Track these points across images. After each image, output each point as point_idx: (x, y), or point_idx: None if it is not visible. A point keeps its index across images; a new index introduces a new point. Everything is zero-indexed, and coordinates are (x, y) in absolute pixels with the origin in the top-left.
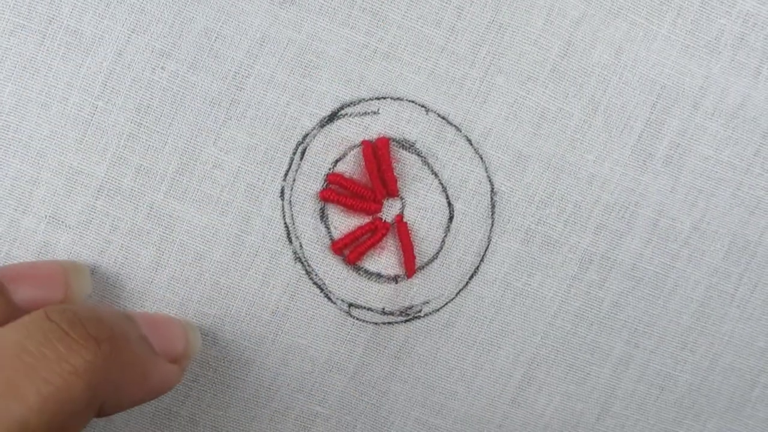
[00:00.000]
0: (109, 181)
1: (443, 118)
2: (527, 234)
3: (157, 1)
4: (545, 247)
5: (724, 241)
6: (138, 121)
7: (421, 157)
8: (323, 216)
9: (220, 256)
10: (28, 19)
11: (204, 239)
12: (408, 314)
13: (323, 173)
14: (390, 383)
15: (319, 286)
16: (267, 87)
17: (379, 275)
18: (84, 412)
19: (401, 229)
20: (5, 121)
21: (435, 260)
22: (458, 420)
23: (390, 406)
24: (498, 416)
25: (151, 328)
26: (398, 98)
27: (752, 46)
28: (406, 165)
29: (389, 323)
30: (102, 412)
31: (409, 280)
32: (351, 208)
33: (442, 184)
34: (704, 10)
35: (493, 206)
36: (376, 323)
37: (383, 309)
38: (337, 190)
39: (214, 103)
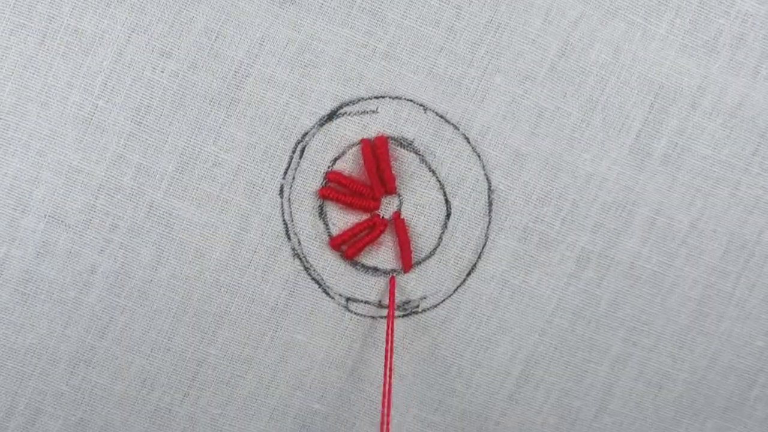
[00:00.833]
0: (109, 179)
1: (441, 116)
2: (525, 232)
3: (158, 1)
4: (543, 245)
5: (722, 240)
6: (138, 120)
7: (419, 155)
8: (322, 213)
9: (219, 253)
10: (28, 19)
11: (204, 237)
12: (406, 309)
13: (322, 171)
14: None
15: (317, 282)
16: (267, 86)
17: (375, 269)
18: None
19: (398, 225)
20: (5, 120)
21: (432, 256)
22: (456, 417)
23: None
24: (496, 413)
25: None
26: (397, 97)
27: (751, 46)
28: (404, 163)
29: (386, 317)
30: None
31: (406, 275)
32: (350, 205)
33: (439, 181)
34: (703, 9)
35: (490, 204)
36: (373, 317)
37: (380, 302)
38: (336, 188)
39: (214, 102)
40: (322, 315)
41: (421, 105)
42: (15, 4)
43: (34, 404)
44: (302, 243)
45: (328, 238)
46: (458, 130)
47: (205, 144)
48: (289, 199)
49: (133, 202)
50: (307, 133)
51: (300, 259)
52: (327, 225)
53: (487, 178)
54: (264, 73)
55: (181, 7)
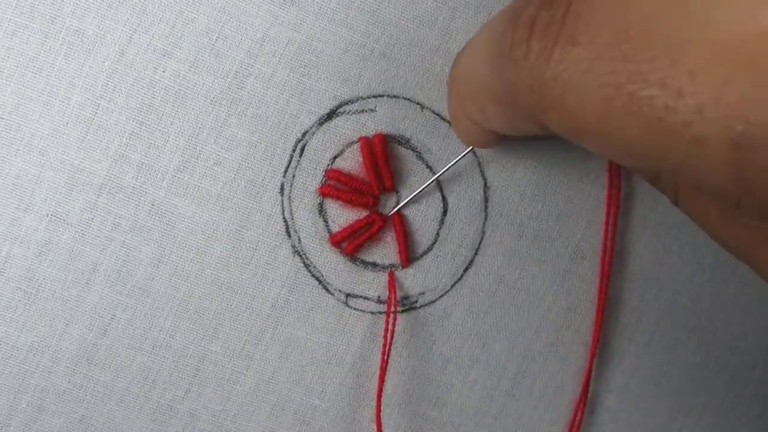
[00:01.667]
0: (111, 179)
1: (438, 114)
2: (520, 228)
3: (159, 2)
4: (538, 242)
5: None
6: (140, 119)
7: (416, 152)
8: (322, 210)
9: (220, 251)
10: (30, 19)
11: (205, 235)
12: (404, 304)
13: (322, 169)
14: (387, 375)
15: (317, 278)
16: (267, 86)
17: (374, 264)
18: None
19: (396, 220)
20: (7, 120)
21: (430, 252)
22: (455, 412)
23: (387, 398)
24: (493, 409)
25: None
26: (394, 96)
27: None
28: (401, 160)
29: (385, 313)
30: None
31: (404, 270)
32: (349, 202)
33: (436, 178)
34: None
35: (486, 200)
36: (372, 312)
37: (379, 297)
38: (335, 186)
39: (215, 102)
40: (322, 311)
41: (418, 104)
42: (16, 5)
43: (36, 402)
44: (302, 240)
45: (327, 235)
46: None
47: (206, 143)
48: (290, 197)
49: (135, 200)
50: (306, 132)
51: (300, 256)
52: (327, 222)
53: (483, 175)
54: (264, 73)
55: (182, 8)
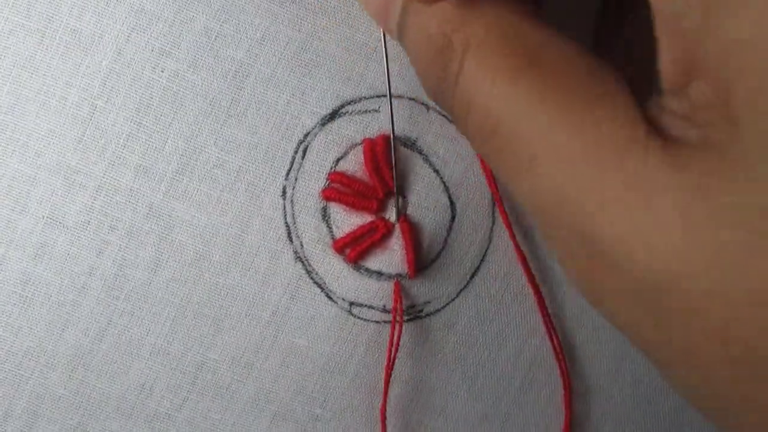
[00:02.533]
0: (108, 180)
1: (444, 116)
2: (527, 232)
3: (157, 0)
4: (545, 246)
5: None
6: (137, 120)
7: (423, 155)
8: (325, 215)
9: (219, 256)
10: (27, 18)
11: (204, 239)
12: (410, 314)
13: (325, 172)
14: (391, 385)
15: (319, 286)
16: (267, 86)
17: (380, 273)
18: None
19: (404, 228)
20: (3, 119)
21: (437, 260)
22: (460, 421)
23: (391, 408)
24: (500, 417)
25: None
26: (399, 96)
27: None
28: (407, 163)
29: (390, 322)
30: None
31: (411, 279)
32: (353, 206)
33: (443, 182)
34: None
35: (493, 204)
36: (377, 322)
37: (384, 307)
38: (338, 189)
39: (214, 103)
40: (324, 319)
41: (423, 104)
42: (14, 3)
43: (32, 408)
44: (304, 246)
45: (331, 241)
46: None
47: (205, 145)
48: (292, 200)
49: (132, 203)
50: (308, 133)
51: (302, 262)
52: (330, 227)
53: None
54: (264, 73)
55: (180, 6)
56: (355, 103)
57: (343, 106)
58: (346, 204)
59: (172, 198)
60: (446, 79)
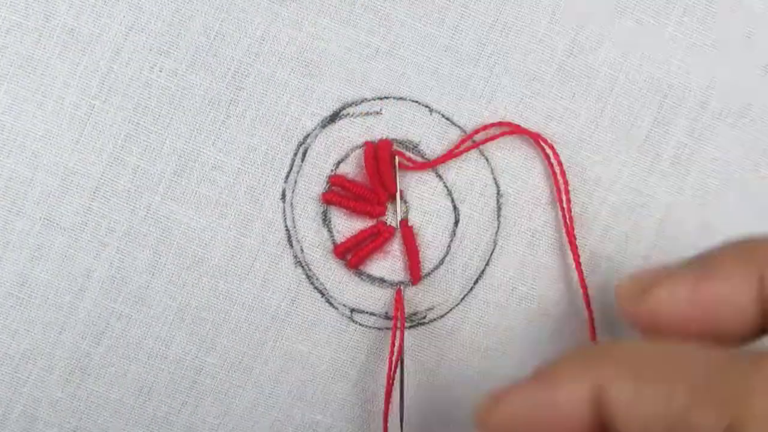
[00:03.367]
0: (106, 182)
1: (447, 118)
2: (533, 237)
3: None
4: (551, 251)
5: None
6: (135, 121)
7: (426, 158)
8: (326, 219)
9: (218, 259)
10: (24, 17)
11: (202, 242)
12: (412, 320)
13: (325, 175)
14: (394, 393)
15: (320, 291)
16: (267, 86)
17: (382, 280)
18: None
19: (406, 233)
20: (0, 120)
21: (440, 266)
22: (464, 429)
23: (393, 415)
24: None
25: None
26: (401, 98)
27: (760, 45)
28: (409, 167)
29: (392, 333)
30: None
31: (414, 286)
32: (354, 210)
33: (447, 187)
34: (711, 8)
35: (499, 209)
36: (379, 328)
37: (386, 314)
38: (339, 193)
39: (213, 103)
40: (325, 326)
41: (426, 106)
42: (11, 2)
43: (29, 411)
44: (305, 250)
45: (332, 246)
46: (465, 132)
47: (204, 146)
48: (292, 203)
49: (130, 205)
50: (309, 135)
51: (302, 267)
52: (331, 232)
53: (496, 183)
54: (264, 73)
55: (179, 5)
56: (356, 104)
57: (344, 107)
58: (347, 208)
59: (171, 200)
60: None
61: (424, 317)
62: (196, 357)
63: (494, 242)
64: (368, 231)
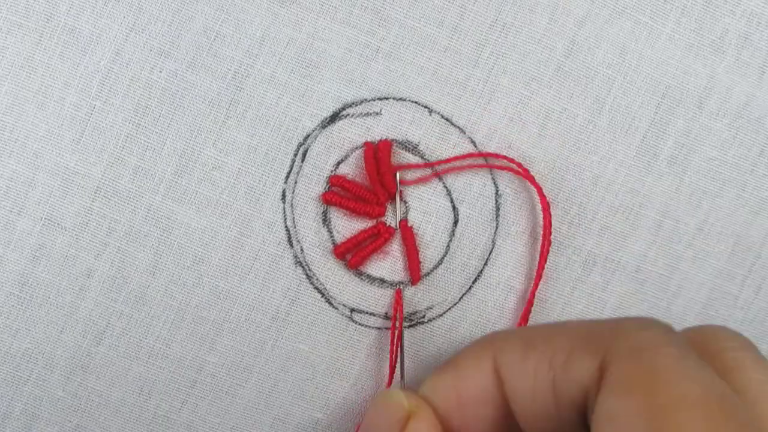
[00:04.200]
0: (107, 182)
1: (447, 119)
2: (531, 237)
3: (156, 0)
4: (549, 250)
5: (728, 242)
6: (136, 121)
7: (425, 159)
8: (326, 219)
9: (219, 259)
10: (25, 18)
11: (203, 242)
12: (412, 320)
13: (325, 175)
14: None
15: (320, 291)
16: (267, 87)
17: (382, 280)
18: None
19: (406, 234)
20: (1, 120)
21: (440, 266)
22: None
23: None
24: None
25: None
26: (401, 99)
27: (757, 46)
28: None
29: (390, 333)
30: None
31: (414, 286)
32: (354, 211)
33: (446, 187)
34: (708, 9)
35: (497, 209)
36: (378, 328)
37: (386, 314)
38: (339, 193)
39: (213, 104)
40: (325, 325)
41: (426, 107)
42: (12, 2)
43: (30, 410)
44: (305, 250)
45: (332, 246)
46: (465, 133)
47: (204, 146)
48: (292, 204)
49: (131, 205)
50: (309, 136)
51: (302, 266)
52: (331, 232)
53: (495, 183)
54: (264, 74)
55: (179, 6)
56: (356, 105)
57: (344, 108)
58: (347, 208)
59: (171, 200)
60: None
61: (423, 316)
62: (197, 356)
63: (493, 242)
64: (368, 231)
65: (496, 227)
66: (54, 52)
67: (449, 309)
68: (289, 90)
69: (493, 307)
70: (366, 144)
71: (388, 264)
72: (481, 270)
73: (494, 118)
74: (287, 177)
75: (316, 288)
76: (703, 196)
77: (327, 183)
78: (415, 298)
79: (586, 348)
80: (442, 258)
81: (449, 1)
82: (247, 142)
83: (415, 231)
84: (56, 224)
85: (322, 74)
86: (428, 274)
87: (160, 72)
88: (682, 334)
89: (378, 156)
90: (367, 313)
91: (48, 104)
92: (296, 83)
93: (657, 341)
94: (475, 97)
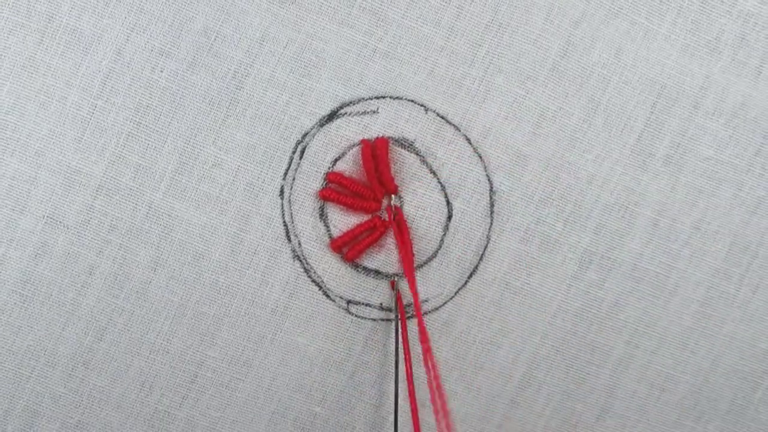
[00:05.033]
0: (108, 180)
1: (442, 117)
2: (526, 233)
3: (157, 1)
4: (544, 247)
5: (725, 241)
6: (137, 120)
7: (420, 156)
8: (323, 214)
9: (219, 255)
10: (27, 18)
11: (203, 238)
12: (408, 312)
13: (323, 172)
14: (389, 383)
15: (317, 284)
16: (266, 86)
17: (377, 272)
18: None
19: (400, 227)
20: (4, 119)
21: (434, 259)
22: (458, 420)
23: (389, 406)
24: (497, 416)
25: None
26: (397, 97)
27: (753, 46)
28: (404, 164)
29: (388, 320)
30: None
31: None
32: (350, 206)
33: (440, 182)
34: (704, 9)
35: (492, 205)
36: (374, 319)
37: (381, 305)
38: (336, 189)
39: (213, 103)
40: (322, 317)
41: (422, 105)
42: (14, 3)
43: (32, 406)
44: (303, 245)
45: (328, 240)
46: (459, 131)
47: (204, 144)
48: (290, 200)
49: (132, 202)
50: (307, 134)
51: (300, 261)
52: (328, 227)
53: (489, 180)
54: (264, 73)
55: (180, 7)
56: (353, 104)
57: (341, 107)
58: (344, 204)
59: (172, 197)
60: None
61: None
62: (197, 351)
63: (488, 238)
64: (364, 225)
65: (491, 223)
66: (56, 52)
67: (445, 303)
68: (288, 89)
69: (489, 303)
70: (363, 141)
71: (383, 256)
72: (477, 265)
73: (489, 116)
74: (285, 174)
75: (313, 281)
76: (699, 195)
77: (324, 179)
78: (410, 290)
79: None
80: (436, 251)
81: (446, 2)
82: (247, 140)
83: (409, 225)
84: (58, 222)
85: (321, 74)
86: (422, 266)
87: (161, 72)
88: None
89: (375, 153)
90: (363, 304)
91: (50, 103)
92: (295, 82)
93: None
94: (470, 95)
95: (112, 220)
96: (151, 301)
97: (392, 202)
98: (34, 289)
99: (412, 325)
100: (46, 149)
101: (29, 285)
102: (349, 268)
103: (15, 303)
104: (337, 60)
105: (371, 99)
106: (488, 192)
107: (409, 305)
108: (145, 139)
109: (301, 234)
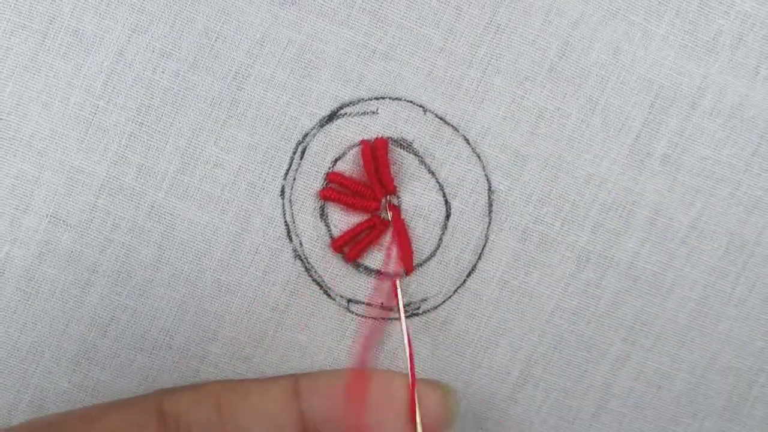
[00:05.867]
0: (111, 180)
1: (441, 118)
2: (524, 232)
3: (158, 1)
4: (542, 246)
5: (721, 240)
6: (139, 120)
7: (419, 156)
8: (323, 214)
9: (220, 254)
10: (29, 19)
11: (204, 238)
12: (406, 311)
13: (323, 172)
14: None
15: (318, 283)
16: (267, 87)
17: (378, 271)
18: None
19: (399, 226)
20: (6, 120)
21: (433, 258)
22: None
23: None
24: (496, 413)
25: None
26: (397, 98)
27: (750, 47)
28: (403, 164)
29: (388, 319)
30: None
31: (407, 277)
32: (351, 206)
33: (438, 182)
34: (702, 10)
35: (490, 205)
36: (374, 318)
37: (381, 304)
38: (337, 189)
39: (214, 103)
40: (323, 316)
41: (420, 106)
42: (15, 4)
43: (37, 401)
44: (303, 244)
45: (329, 240)
46: (458, 131)
47: (206, 145)
48: (291, 200)
49: (135, 202)
50: (307, 134)
51: (301, 260)
52: (328, 226)
53: (487, 179)
54: (264, 74)
55: (181, 8)
56: (353, 104)
57: (341, 107)
58: (344, 204)
59: (174, 197)
60: None
61: (418, 308)
62: (200, 347)
63: (486, 237)
64: (364, 225)
65: (489, 222)
66: (58, 53)
67: (443, 302)
68: (289, 90)
69: (487, 301)
70: (363, 142)
71: (383, 255)
72: (475, 264)
73: (488, 116)
74: (286, 174)
75: (314, 280)
76: (696, 195)
77: (325, 179)
78: (410, 289)
79: None
80: (435, 250)
81: (445, 3)
82: (248, 140)
83: (407, 224)
84: (62, 221)
85: (321, 74)
86: (421, 264)
87: (163, 72)
88: None
89: (375, 153)
90: (363, 303)
91: (52, 104)
92: (295, 83)
93: None
94: (469, 96)
95: (114, 219)
96: (154, 298)
97: (392, 202)
98: (38, 286)
99: (412, 324)
100: (49, 149)
101: (33, 283)
102: (349, 267)
103: (19, 300)
104: (337, 61)
105: (371, 100)
106: (486, 191)
107: (408, 304)
108: (147, 139)
109: (302, 234)
